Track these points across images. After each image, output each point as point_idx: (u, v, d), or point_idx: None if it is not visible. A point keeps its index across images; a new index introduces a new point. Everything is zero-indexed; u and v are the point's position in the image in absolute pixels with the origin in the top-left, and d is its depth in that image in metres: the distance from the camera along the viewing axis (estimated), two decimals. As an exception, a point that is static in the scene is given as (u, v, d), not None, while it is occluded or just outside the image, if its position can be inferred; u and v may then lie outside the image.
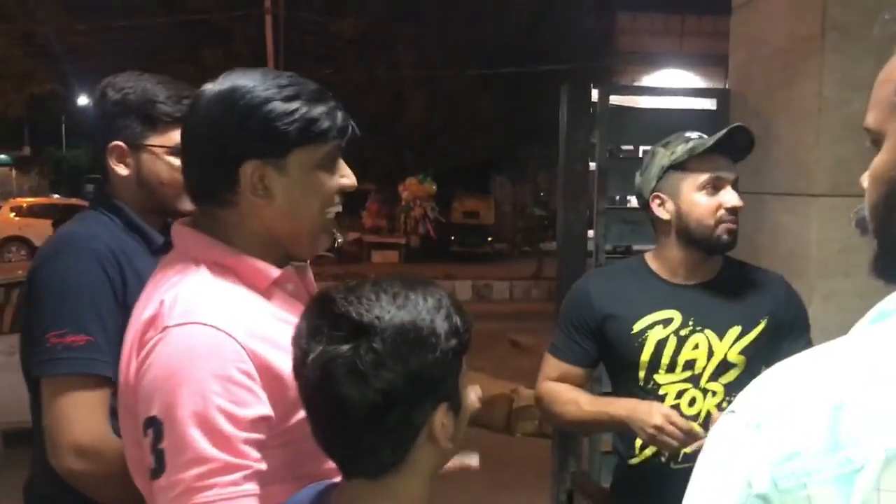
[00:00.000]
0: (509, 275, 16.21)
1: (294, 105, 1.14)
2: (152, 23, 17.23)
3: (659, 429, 1.72)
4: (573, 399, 1.95)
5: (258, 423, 1.07)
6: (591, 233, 3.03)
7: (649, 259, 2.00)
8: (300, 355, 1.01)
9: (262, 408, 1.08)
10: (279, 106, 1.14)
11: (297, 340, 1.03)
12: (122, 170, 1.61)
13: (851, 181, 2.50)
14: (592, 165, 3.00)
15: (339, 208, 1.24)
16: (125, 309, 1.37)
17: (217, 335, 1.07)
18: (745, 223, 2.29)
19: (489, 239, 19.50)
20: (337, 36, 18.02)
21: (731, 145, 1.86)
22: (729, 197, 1.85)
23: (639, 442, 1.93)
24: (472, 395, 1.10)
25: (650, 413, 1.75)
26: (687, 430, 1.71)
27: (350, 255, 18.17)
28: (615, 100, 3.03)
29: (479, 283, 15.53)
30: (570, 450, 3.08)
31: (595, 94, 2.95)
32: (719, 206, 1.84)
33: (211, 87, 1.17)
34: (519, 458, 5.56)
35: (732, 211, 1.85)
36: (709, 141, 1.84)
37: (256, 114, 1.13)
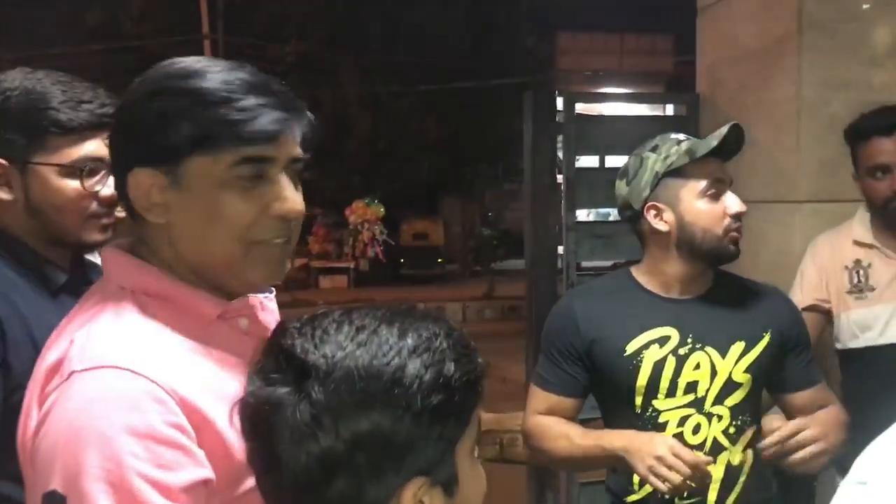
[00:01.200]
0: (461, 296, 16.06)
1: (182, 101, 0.89)
2: (86, 50, 16.74)
3: (660, 459, 1.54)
4: (564, 433, 1.75)
5: (195, 489, 0.84)
6: (559, 249, 2.86)
7: (637, 273, 1.82)
8: (245, 394, 0.81)
9: (199, 470, 0.85)
10: (169, 102, 0.90)
11: (245, 383, 0.82)
12: (3, 194, 1.30)
13: (836, 185, 2.39)
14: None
15: (280, 238, 0.96)
16: (5, 369, 1.15)
17: (136, 381, 0.84)
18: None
19: (439, 260, 19.34)
20: (278, 60, 17.76)
21: (721, 145, 1.71)
22: (732, 202, 1.69)
23: (637, 477, 1.73)
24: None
25: (650, 443, 1.57)
26: (693, 464, 1.53)
27: (297, 282, 17.80)
28: (579, 108, 2.87)
29: (431, 305, 15.32)
30: (547, 482, 2.89)
31: (560, 103, 2.79)
32: (724, 213, 1.68)
33: None
34: (483, 486, 5.34)
35: (738, 217, 1.70)
36: (711, 140, 1.68)
37: (142, 111, 0.91)
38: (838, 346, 2.18)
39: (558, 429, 1.77)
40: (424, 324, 0.79)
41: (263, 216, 0.92)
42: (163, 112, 0.90)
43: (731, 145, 1.74)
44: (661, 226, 1.72)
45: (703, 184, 1.68)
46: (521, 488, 3.10)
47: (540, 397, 1.82)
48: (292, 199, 0.94)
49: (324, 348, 0.75)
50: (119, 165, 0.94)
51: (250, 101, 0.90)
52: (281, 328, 0.81)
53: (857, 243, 2.14)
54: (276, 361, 0.77)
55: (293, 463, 0.74)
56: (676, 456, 1.54)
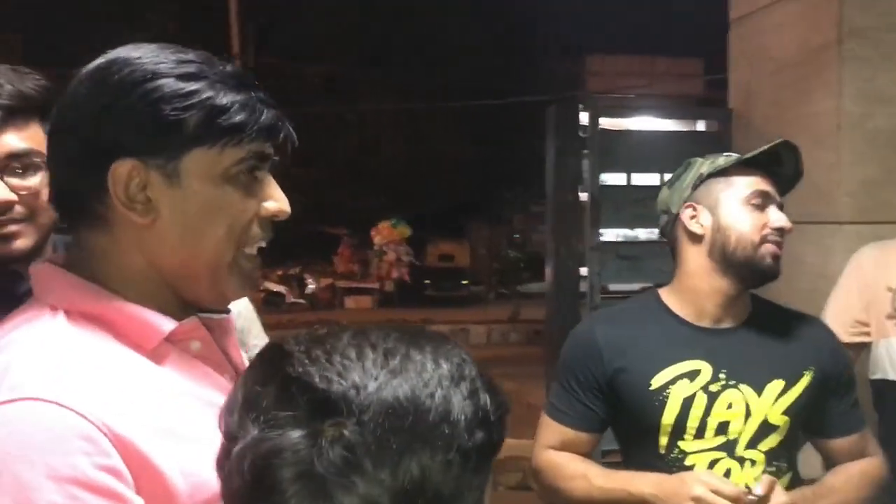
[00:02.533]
0: (486, 318, 15.91)
1: (194, 85, 0.80)
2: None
3: (699, 501, 1.40)
4: (581, 473, 1.60)
5: None
6: (583, 270, 2.73)
7: (666, 296, 1.66)
8: (225, 441, 0.64)
9: None
10: (171, 83, 0.80)
11: (223, 418, 0.65)
12: None
13: (879, 205, 2.23)
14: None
15: (263, 242, 0.88)
16: None
17: (61, 415, 0.72)
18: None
19: (465, 282, 19.24)
20: (307, 80, 17.89)
21: (777, 170, 1.60)
22: (777, 216, 1.55)
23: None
24: None
25: (683, 484, 1.44)
26: (735, 497, 1.38)
27: (322, 302, 17.78)
28: (604, 123, 2.75)
29: (456, 327, 15.20)
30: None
31: (584, 117, 2.67)
32: (765, 224, 1.54)
33: (89, 65, 0.84)
34: (504, 515, 5.19)
35: (780, 232, 1.55)
36: (762, 148, 1.57)
37: (137, 91, 0.80)
38: (874, 377, 1.99)
39: (574, 467, 1.62)
40: (447, 347, 0.66)
41: (257, 216, 0.86)
42: (163, 98, 0.80)
43: (788, 172, 1.62)
44: (695, 227, 1.58)
45: (748, 189, 1.55)
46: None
47: (553, 430, 1.66)
48: (283, 198, 0.88)
49: (350, 377, 0.60)
50: (90, 158, 0.81)
51: (251, 93, 0.83)
52: (275, 349, 0.66)
53: None
54: (279, 395, 0.61)
55: None
56: (717, 492, 1.40)
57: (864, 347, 2.00)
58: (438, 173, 19.08)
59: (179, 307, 0.87)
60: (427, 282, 18.79)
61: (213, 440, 0.66)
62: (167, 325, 0.83)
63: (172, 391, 0.81)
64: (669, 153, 1.68)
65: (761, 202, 1.55)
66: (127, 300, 0.82)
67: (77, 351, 0.78)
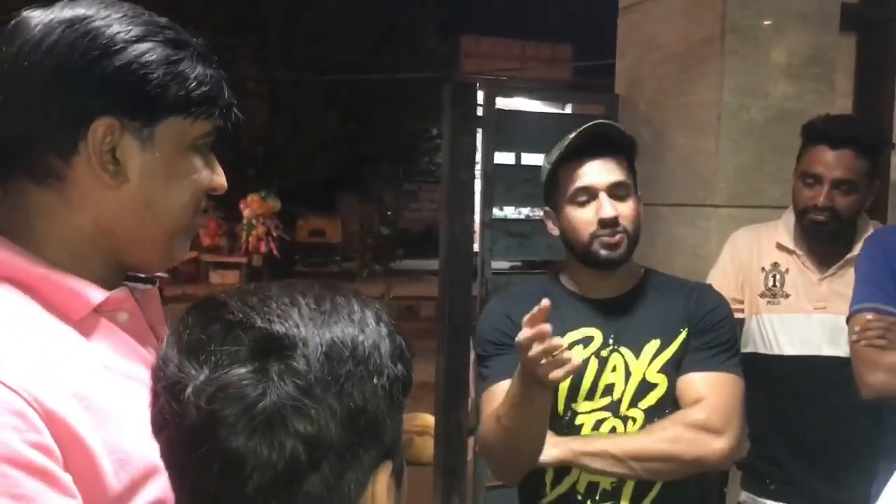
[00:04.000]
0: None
1: (177, 55, 0.81)
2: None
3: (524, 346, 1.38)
4: (492, 413, 1.61)
5: None
6: (475, 247, 2.79)
7: (561, 276, 1.79)
8: (168, 390, 0.64)
9: (65, 501, 0.70)
10: (159, 49, 0.79)
11: (160, 371, 0.65)
12: None
13: (752, 191, 2.40)
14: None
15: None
16: None
17: None
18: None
19: (336, 258, 19.08)
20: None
21: (603, 143, 1.65)
22: (601, 209, 1.62)
23: (549, 478, 1.68)
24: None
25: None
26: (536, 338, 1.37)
27: (185, 275, 17.15)
28: (499, 104, 2.80)
29: (326, 303, 15.08)
30: (453, 485, 2.81)
31: (480, 96, 2.71)
32: (590, 220, 1.63)
33: (44, 14, 0.79)
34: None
35: (605, 223, 1.62)
36: (563, 144, 1.64)
37: (126, 52, 0.78)
38: (745, 350, 2.14)
39: (490, 415, 1.62)
40: (363, 297, 0.72)
41: (209, 186, 0.90)
42: (152, 63, 0.79)
43: (618, 141, 1.67)
44: (553, 231, 1.72)
45: (571, 189, 1.64)
46: (427, 491, 3.01)
47: (491, 397, 1.66)
48: (222, 173, 0.91)
49: (290, 317, 0.65)
50: (65, 113, 0.78)
51: (218, 71, 0.86)
52: (207, 303, 0.68)
53: (780, 247, 2.12)
54: (225, 337, 0.63)
55: (269, 454, 0.61)
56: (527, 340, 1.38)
57: (740, 324, 2.16)
58: (309, 147, 18.75)
59: (114, 273, 0.85)
60: (297, 257, 18.51)
61: (137, 417, 0.66)
62: (97, 295, 0.81)
63: (99, 365, 0.79)
64: (558, 134, 1.72)
65: (585, 198, 1.63)
66: (55, 265, 0.79)
67: (3, 322, 0.74)
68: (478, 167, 2.75)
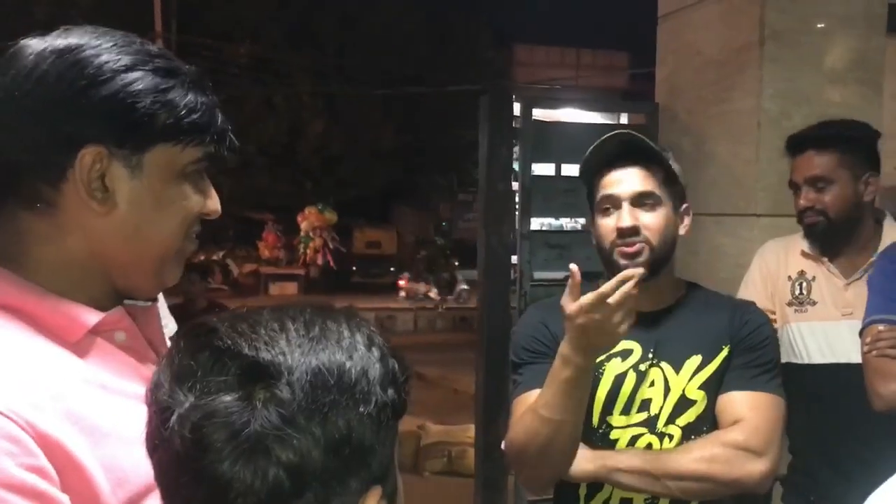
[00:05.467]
0: (413, 305, 15.95)
1: (166, 83, 0.82)
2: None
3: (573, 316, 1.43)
4: (525, 408, 1.58)
5: None
6: (513, 259, 2.78)
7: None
8: (158, 415, 0.66)
9: None
10: (148, 78, 0.81)
11: (152, 395, 0.67)
12: None
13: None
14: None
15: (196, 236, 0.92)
16: None
17: None
18: (678, 247, 2.07)
19: (391, 269, 19.22)
20: (232, 61, 17.47)
21: (635, 152, 1.61)
22: (619, 217, 1.59)
23: (582, 493, 1.65)
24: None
25: (571, 324, 1.44)
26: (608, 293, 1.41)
27: (246, 288, 17.50)
28: (537, 114, 2.79)
29: (382, 314, 15.20)
30: (496, 501, 2.79)
31: (517, 108, 2.71)
32: (614, 227, 1.61)
33: (39, 43, 0.81)
34: (429, 499, 5.23)
35: (622, 232, 1.59)
36: (588, 158, 1.64)
37: (113, 82, 0.79)
38: None
39: (524, 412, 1.59)
40: (356, 319, 0.72)
41: (200, 212, 0.90)
42: (141, 92, 0.80)
43: (643, 148, 1.62)
44: (595, 241, 1.68)
45: (597, 199, 1.64)
46: (467, 503, 3.00)
47: (522, 403, 1.64)
48: (217, 198, 0.91)
49: (277, 345, 0.65)
50: (54, 141, 0.80)
51: (211, 98, 0.86)
52: (198, 328, 0.69)
53: (805, 254, 2.09)
54: (211, 365, 0.65)
55: (253, 480, 0.62)
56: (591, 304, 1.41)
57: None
58: (365, 160, 18.95)
59: (108, 295, 0.86)
60: (354, 268, 18.71)
61: (135, 434, 0.67)
62: (91, 317, 0.82)
63: (95, 385, 0.80)
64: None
65: (609, 207, 1.61)
66: (49, 289, 0.81)
67: None
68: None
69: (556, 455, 1.55)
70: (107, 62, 0.79)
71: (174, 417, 0.63)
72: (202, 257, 17.08)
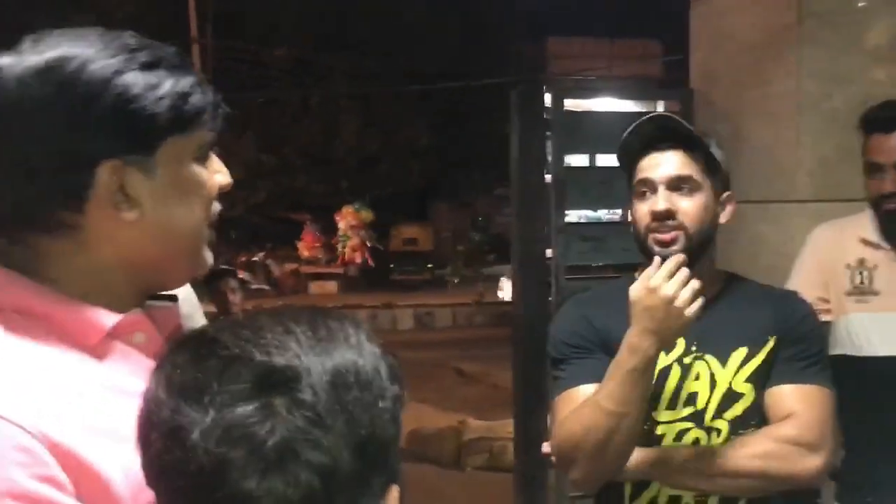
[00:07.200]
0: (451, 301, 15.95)
1: (157, 76, 0.79)
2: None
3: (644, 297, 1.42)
4: (583, 403, 1.52)
5: None
6: (548, 252, 2.74)
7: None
8: (166, 436, 0.62)
9: None
10: (137, 78, 0.78)
11: (152, 416, 0.63)
12: None
13: (838, 184, 2.26)
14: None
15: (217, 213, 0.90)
16: None
17: None
18: (718, 236, 2.01)
19: (429, 266, 19.25)
20: (268, 64, 17.63)
21: (671, 136, 1.55)
22: (653, 201, 1.54)
23: (627, 491, 1.60)
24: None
25: (636, 305, 1.44)
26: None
27: (287, 288, 17.67)
28: (568, 104, 2.75)
29: (421, 311, 15.23)
30: (536, 497, 2.76)
31: (548, 99, 2.67)
32: (648, 211, 1.55)
33: (10, 65, 0.77)
34: (471, 494, 5.22)
35: (657, 216, 1.53)
36: (627, 138, 1.58)
37: (108, 92, 0.77)
38: (833, 352, 1.99)
39: (578, 404, 1.53)
40: (350, 318, 0.70)
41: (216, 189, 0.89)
42: (136, 96, 0.77)
43: (680, 131, 1.56)
44: (631, 227, 1.63)
45: (634, 181, 1.58)
46: (509, 498, 2.98)
47: (565, 401, 1.58)
48: (225, 169, 0.89)
49: (289, 349, 0.63)
50: (66, 167, 0.77)
51: (195, 74, 0.83)
52: (197, 338, 0.66)
53: (865, 241, 1.98)
54: (224, 375, 0.62)
55: (281, 490, 0.59)
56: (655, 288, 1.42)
57: (826, 325, 2.03)
58: (401, 157, 19.00)
59: (132, 295, 0.85)
60: (391, 266, 18.78)
61: None
62: (109, 319, 0.81)
63: (113, 389, 0.78)
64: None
65: (644, 190, 1.56)
66: (71, 294, 0.79)
67: (11, 353, 0.75)
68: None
69: (616, 450, 1.49)
70: (94, 71, 0.76)
71: (195, 434, 0.60)
72: (243, 258, 17.30)
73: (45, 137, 0.77)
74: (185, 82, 0.81)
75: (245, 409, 0.60)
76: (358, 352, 0.66)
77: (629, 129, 1.58)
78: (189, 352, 0.65)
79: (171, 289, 0.90)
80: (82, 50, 0.78)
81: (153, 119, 0.78)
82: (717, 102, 2.63)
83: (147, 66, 0.79)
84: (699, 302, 1.45)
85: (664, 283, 1.42)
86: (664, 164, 1.56)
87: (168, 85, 0.79)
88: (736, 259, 2.44)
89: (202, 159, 0.85)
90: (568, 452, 1.55)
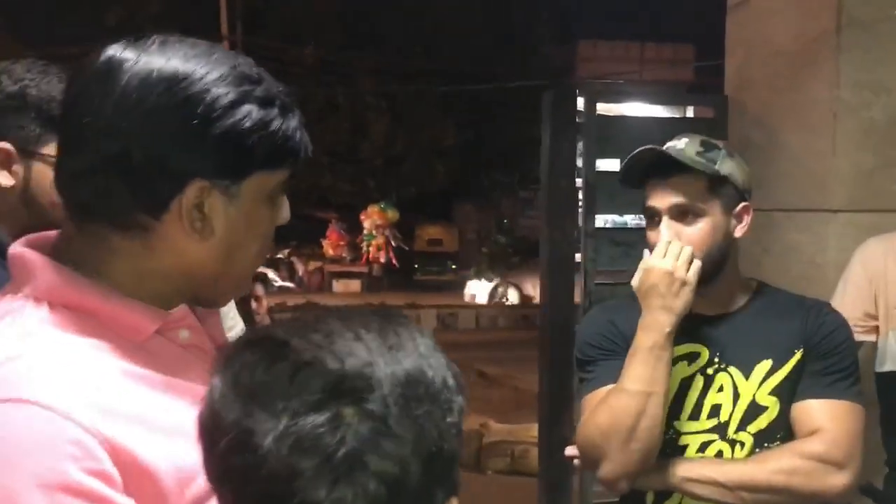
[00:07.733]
0: (475, 303, 15.95)
1: (270, 114, 0.82)
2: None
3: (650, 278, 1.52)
4: (610, 391, 1.54)
5: None
6: (577, 256, 2.73)
7: None
8: (235, 441, 0.62)
9: None
10: (254, 112, 0.80)
11: (216, 418, 0.64)
12: (3, 178, 1.28)
13: (874, 194, 2.23)
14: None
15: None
16: None
17: (49, 419, 0.70)
18: (750, 244, 1.99)
19: (453, 266, 19.25)
20: (296, 62, 17.73)
21: (671, 162, 1.54)
22: (659, 233, 1.56)
23: (649, 502, 1.61)
24: None
25: (645, 285, 1.54)
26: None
27: (312, 286, 17.77)
28: (600, 108, 2.74)
29: (444, 311, 15.23)
30: (559, 497, 2.75)
31: (580, 103, 2.66)
32: (655, 241, 1.58)
33: (134, 60, 0.79)
34: (492, 498, 5.21)
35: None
36: (625, 170, 1.62)
37: (224, 119, 0.79)
38: (880, 369, 1.94)
39: (602, 400, 1.55)
40: (415, 324, 0.70)
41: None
42: (249, 129, 0.80)
43: (671, 161, 1.55)
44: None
45: (644, 207, 1.62)
46: (532, 501, 2.97)
47: (593, 400, 1.60)
48: (288, 207, 0.92)
49: (359, 356, 0.62)
50: (158, 178, 0.79)
51: (299, 115, 0.87)
52: (263, 339, 0.66)
53: None
54: (294, 382, 0.61)
55: (350, 500, 0.59)
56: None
57: (873, 342, 1.96)
58: (427, 158, 19.02)
59: (178, 297, 0.87)
60: (416, 266, 18.80)
61: None
62: (157, 316, 0.83)
63: (161, 385, 0.80)
64: (665, 139, 1.65)
65: (653, 216, 1.58)
66: (123, 292, 0.81)
67: (64, 347, 0.76)
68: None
69: (643, 436, 1.49)
70: (217, 97, 0.79)
71: (267, 442, 0.60)
72: (268, 256, 17.42)
73: (154, 142, 0.78)
74: (292, 124, 0.84)
75: (317, 419, 0.60)
76: (427, 362, 0.65)
77: (625, 161, 1.60)
78: (258, 353, 0.65)
79: (215, 306, 0.93)
80: (209, 70, 0.80)
81: (251, 151, 0.81)
82: (751, 109, 2.61)
83: (263, 102, 0.81)
84: (697, 265, 1.51)
85: (658, 260, 1.50)
86: (665, 192, 1.56)
87: (277, 124, 0.82)
88: (768, 268, 2.42)
89: (275, 198, 0.88)
90: (596, 444, 1.54)
